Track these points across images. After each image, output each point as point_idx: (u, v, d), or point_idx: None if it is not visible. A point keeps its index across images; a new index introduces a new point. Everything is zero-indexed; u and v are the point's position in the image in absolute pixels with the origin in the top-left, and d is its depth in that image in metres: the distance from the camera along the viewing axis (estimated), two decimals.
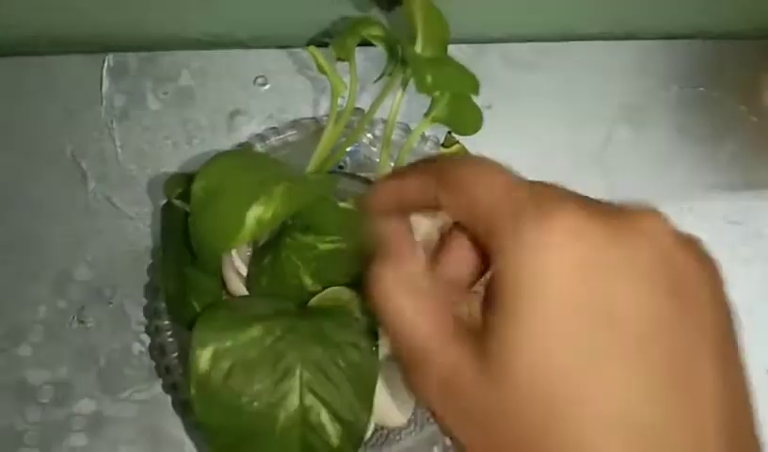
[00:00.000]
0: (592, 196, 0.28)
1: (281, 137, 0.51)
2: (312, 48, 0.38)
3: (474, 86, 0.38)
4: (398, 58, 0.37)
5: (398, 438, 0.49)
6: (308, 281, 0.40)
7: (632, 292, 0.23)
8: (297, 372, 0.39)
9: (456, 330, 0.26)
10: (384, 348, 0.42)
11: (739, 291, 0.58)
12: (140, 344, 0.55)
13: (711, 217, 0.61)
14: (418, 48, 0.38)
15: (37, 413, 0.54)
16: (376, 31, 0.39)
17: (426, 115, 0.38)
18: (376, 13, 0.60)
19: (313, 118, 0.52)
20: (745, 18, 0.66)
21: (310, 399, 0.39)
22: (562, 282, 0.23)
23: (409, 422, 0.49)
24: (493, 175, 0.26)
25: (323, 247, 0.38)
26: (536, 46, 0.64)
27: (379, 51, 0.41)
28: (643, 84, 0.64)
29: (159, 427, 0.54)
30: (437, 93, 0.36)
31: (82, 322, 0.56)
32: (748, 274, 0.60)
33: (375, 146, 0.49)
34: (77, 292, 0.56)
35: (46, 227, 0.58)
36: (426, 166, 0.29)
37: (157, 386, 0.54)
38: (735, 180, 0.62)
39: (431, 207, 0.29)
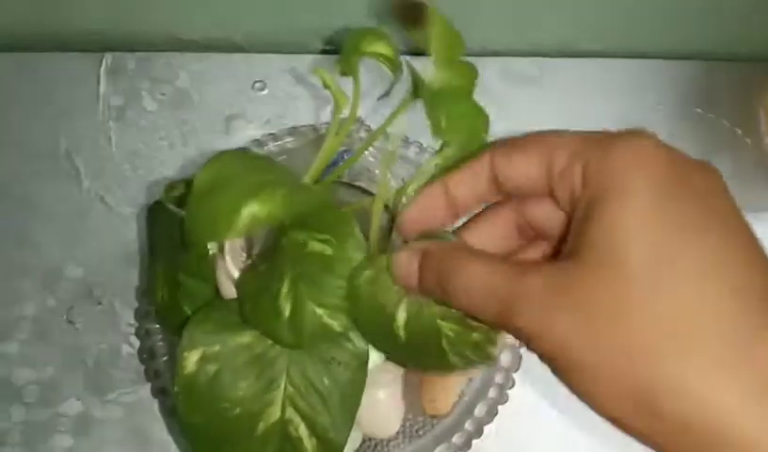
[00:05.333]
0: None
1: (279, 143, 0.51)
2: (319, 70, 0.38)
3: (486, 125, 0.37)
4: (409, 87, 0.37)
5: (386, 450, 0.49)
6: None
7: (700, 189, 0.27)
8: (282, 384, 0.39)
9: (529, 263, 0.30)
10: (378, 361, 0.42)
11: None
12: (129, 345, 0.55)
13: None
14: (431, 73, 0.37)
15: (21, 413, 0.53)
16: (381, 49, 0.39)
17: (437, 153, 0.37)
18: (377, 22, 0.60)
19: (312, 125, 0.51)
20: (742, 40, 0.66)
21: (290, 412, 0.39)
22: (648, 183, 0.26)
23: (398, 434, 0.49)
24: (560, 132, 0.30)
25: (311, 246, 0.37)
26: (535, 61, 0.65)
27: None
28: (639, 102, 0.65)
29: (146, 429, 0.53)
30: (448, 138, 0.36)
31: (71, 322, 0.55)
32: None
33: (373, 157, 0.49)
34: (67, 291, 0.56)
35: (39, 224, 0.57)
36: (475, 155, 0.33)
37: (144, 389, 0.54)
38: None
39: (481, 198, 0.34)
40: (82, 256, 0.57)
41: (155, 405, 0.54)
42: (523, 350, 0.49)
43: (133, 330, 0.55)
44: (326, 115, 0.61)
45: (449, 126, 0.35)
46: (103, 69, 0.61)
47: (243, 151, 0.48)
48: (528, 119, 0.62)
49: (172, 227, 0.42)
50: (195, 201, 0.35)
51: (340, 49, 0.40)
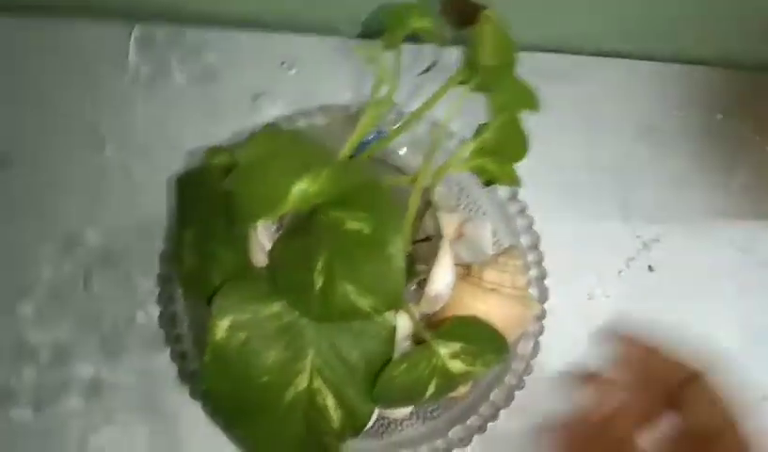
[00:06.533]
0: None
1: (309, 120, 0.51)
2: (362, 46, 0.38)
3: (535, 103, 0.38)
4: (464, 66, 0.37)
5: (399, 428, 0.49)
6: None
7: None
8: (310, 354, 0.39)
9: None
10: (406, 333, 0.42)
11: (742, 317, 0.59)
12: (144, 313, 0.55)
13: (719, 243, 0.62)
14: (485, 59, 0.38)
15: (33, 374, 0.53)
16: (427, 24, 0.39)
17: (475, 137, 0.38)
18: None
19: (342, 104, 0.52)
20: (766, 49, 0.67)
21: (318, 382, 0.40)
22: None
23: (411, 414, 0.49)
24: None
25: (349, 224, 0.37)
26: (564, 58, 0.65)
27: (410, 47, 0.41)
28: (663, 105, 0.65)
29: (156, 396, 0.54)
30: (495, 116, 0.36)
31: (87, 287, 0.55)
32: (753, 302, 0.61)
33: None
34: (85, 256, 0.56)
35: (60, 189, 0.57)
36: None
37: (157, 356, 0.54)
38: (745, 208, 0.63)
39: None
40: (102, 223, 0.57)
41: (167, 372, 0.54)
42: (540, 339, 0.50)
43: (149, 298, 0.55)
44: (350, 97, 0.61)
45: (505, 104, 0.35)
46: (132, 39, 0.61)
47: (281, 129, 0.48)
48: (551, 115, 0.63)
49: (206, 195, 0.42)
50: (242, 178, 0.35)
51: (368, 33, 0.41)
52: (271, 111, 0.60)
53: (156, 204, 0.57)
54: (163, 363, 0.54)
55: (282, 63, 0.62)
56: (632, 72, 0.66)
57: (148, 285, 0.56)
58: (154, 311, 0.55)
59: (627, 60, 0.66)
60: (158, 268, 0.50)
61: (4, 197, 0.57)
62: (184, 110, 0.60)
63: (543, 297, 0.49)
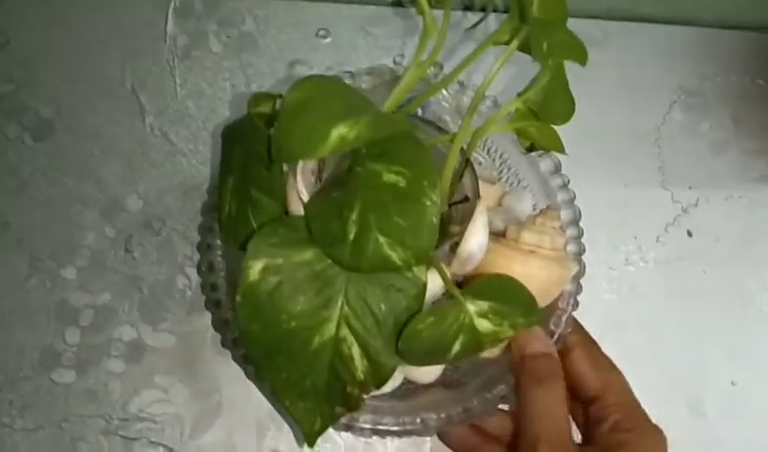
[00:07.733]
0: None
1: (355, 81, 0.51)
2: None
3: (583, 55, 0.38)
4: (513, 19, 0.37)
5: (424, 393, 0.49)
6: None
7: None
8: (339, 303, 0.39)
9: None
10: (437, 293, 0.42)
11: None
12: (185, 277, 0.56)
13: (758, 208, 0.61)
14: (535, 11, 0.37)
15: (76, 336, 0.55)
16: None
17: (521, 94, 0.38)
18: None
19: (389, 66, 0.52)
20: None
21: (345, 331, 0.40)
22: None
23: (437, 381, 0.48)
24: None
25: (386, 177, 0.37)
26: (600, 24, 0.64)
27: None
28: (702, 70, 0.64)
29: (196, 359, 0.55)
30: (548, 63, 0.36)
31: (129, 251, 0.57)
32: None
33: (446, 102, 0.49)
34: (126, 221, 0.57)
35: (102, 156, 0.59)
36: None
37: (197, 320, 0.55)
38: None
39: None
40: (142, 189, 0.58)
41: (207, 335, 0.55)
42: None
43: (188, 263, 0.56)
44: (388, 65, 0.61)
45: (549, 51, 0.35)
46: (171, 9, 0.63)
47: (327, 75, 0.48)
48: (588, 81, 0.63)
49: (248, 142, 0.42)
50: (285, 119, 0.35)
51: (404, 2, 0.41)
52: None
53: (196, 171, 0.59)
54: (202, 326, 0.55)
55: (318, 31, 0.63)
56: (670, 37, 0.65)
57: (187, 250, 0.57)
58: (194, 275, 0.56)
59: (664, 26, 0.66)
60: (200, 220, 0.50)
61: (49, 163, 0.58)
62: (222, 78, 0.61)
63: (581, 271, 0.49)
